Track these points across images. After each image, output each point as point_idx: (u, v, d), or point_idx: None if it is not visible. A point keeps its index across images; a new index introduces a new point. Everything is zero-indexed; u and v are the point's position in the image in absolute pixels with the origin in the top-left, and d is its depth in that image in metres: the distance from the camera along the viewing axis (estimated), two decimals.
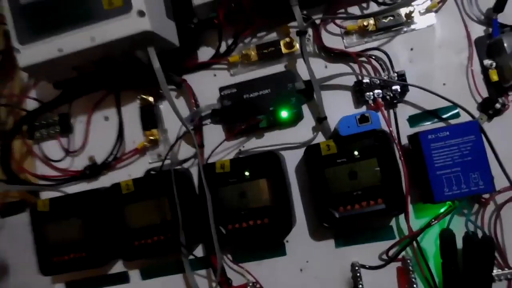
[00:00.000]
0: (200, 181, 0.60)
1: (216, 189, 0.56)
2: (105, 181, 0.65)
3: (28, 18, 0.54)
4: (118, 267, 0.64)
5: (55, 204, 0.61)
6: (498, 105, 0.53)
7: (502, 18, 0.54)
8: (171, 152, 0.61)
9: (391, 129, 0.55)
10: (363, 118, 0.52)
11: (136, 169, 0.64)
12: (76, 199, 0.61)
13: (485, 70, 0.55)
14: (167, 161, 0.62)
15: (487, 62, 0.55)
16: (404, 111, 0.57)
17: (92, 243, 0.59)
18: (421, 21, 0.57)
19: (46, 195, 0.66)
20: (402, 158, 0.54)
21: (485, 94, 0.55)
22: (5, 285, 0.71)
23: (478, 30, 0.56)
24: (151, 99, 0.62)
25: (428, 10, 0.56)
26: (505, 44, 0.52)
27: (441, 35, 0.57)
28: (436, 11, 0.57)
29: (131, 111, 0.64)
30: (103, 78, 0.60)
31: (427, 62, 0.57)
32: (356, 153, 0.53)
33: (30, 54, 0.54)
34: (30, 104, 0.68)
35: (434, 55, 0.57)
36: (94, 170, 0.64)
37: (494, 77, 0.54)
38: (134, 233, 0.58)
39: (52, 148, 0.67)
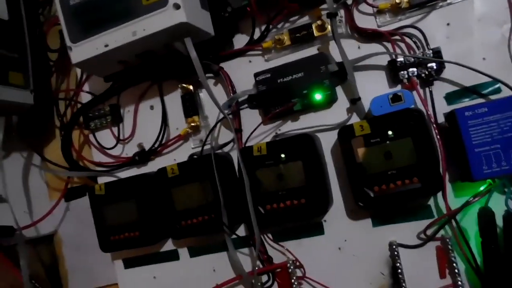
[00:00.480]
0: (239, 164, 0.64)
1: (254, 171, 0.58)
2: (153, 166, 0.70)
3: (77, 18, 0.59)
4: (168, 245, 0.69)
5: (110, 188, 0.67)
6: None
7: None
8: (212, 137, 0.65)
9: (427, 108, 0.55)
10: (395, 97, 0.52)
11: (181, 154, 0.68)
12: (128, 183, 0.66)
13: None
14: (208, 146, 0.65)
15: None
16: (441, 89, 0.56)
17: (144, 223, 0.64)
18: None
19: (103, 180, 0.72)
20: (438, 137, 0.53)
21: None
22: (75, 261, 0.79)
23: None
24: (191, 87, 0.66)
25: None
26: None
27: (480, 7, 0.55)
28: None
29: (173, 100, 0.68)
30: (146, 70, 0.64)
31: (465, 37, 0.55)
32: (390, 132, 0.53)
33: (81, 51, 0.59)
34: (85, 97, 0.74)
35: (473, 29, 0.55)
36: (142, 156, 0.69)
37: None
38: (180, 214, 0.62)
39: (105, 136, 0.73)
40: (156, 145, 0.68)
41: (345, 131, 0.55)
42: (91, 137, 0.74)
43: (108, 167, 0.72)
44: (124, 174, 0.72)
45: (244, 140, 0.63)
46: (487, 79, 0.53)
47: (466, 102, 0.55)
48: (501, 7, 0.54)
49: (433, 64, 0.55)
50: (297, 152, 0.57)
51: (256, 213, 0.57)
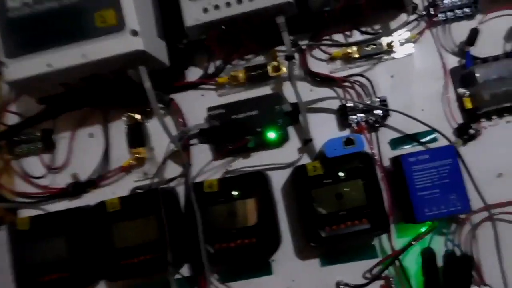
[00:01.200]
0: (187, 200, 0.61)
1: (204, 208, 0.56)
2: (88, 199, 0.64)
3: (17, 31, 0.54)
4: None
5: (36, 222, 0.59)
6: (472, 131, 0.57)
7: (474, 51, 0.58)
8: (157, 170, 0.62)
9: (373, 151, 0.58)
10: (348, 141, 0.54)
11: (121, 187, 0.63)
12: (59, 217, 0.59)
13: (459, 98, 0.59)
14: (151, 180, 0.62)
15: (461, 90, 0.58)
16: (385, 135, 0.60)
17: (76, 262, 0.58)
18: (400, 51, 0.60)
19: (24, 213, 0.64)
20: (385, 180, 0.56)
21: (460, 120, 0.59)
22: None
23: (453, 61, 0.60)
24: (138, 117, 0.62)
25: (407, 41, 0.60)
26: (477, 75, 0.56)
27: (419, 64, 0.60)
28: (414, 41, 0.60)
29: (117, 129, 0.64)
30: (90, 95, 0.60)
31: (406, 89, 0.60)
32: (341, 174, 0.55)
33: (17, 68, 0.53)
34: (10, 119, 0.67)
35: (413, 82, 0.60)
36: (77, 188, 0.63)
37: (468, 104, 0.58)
38: (120, 252, 0.57)
39: (33, 164, 0.65)
40: (94, 177, 0.62)
41: (298, 171, 0.56)
42: (14, 163, 0.66)
43: (33, 198, 0.64)
44: (52, 207, 0.64)
45: (193, 175, 0.61)
46: (425, 128, 0.58)
47: (408, 149, 0.59)
48: (437, 65, 0.60)
49: (380, 112, 0.58)
50: (250, 190, 0.56)
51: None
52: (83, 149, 0.65)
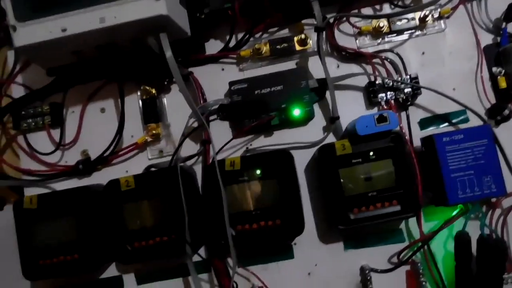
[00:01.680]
0: (205, 180, 0.58)
1: (225, 187, 0.53)
2: (99, 177, 0.60)
3: None
4: (111, 271, 0.59)
5: (44, 201, 0.56)
6: (506, 112, 0.55)
7: (510, 27, 0.56)
8: (173, 148, 0.58)
9: (404, 131, 0.55)
10: (381, 118, 0.51)
11: (135, 165, 0.60)
12: (69, 196, 0.56)
13: (493, 77, 0.56)
14: (167, 158, 0.59)
15: (495, 69, 0.56)
16: (415, 114, 0.57)
17: (86, 244, 0.54)
18: (433, 26, 0.57)
19: (30, 192, 0.60)
20: (415, 160, 0.53)
21: (493, 100, 0.56)
22: None
23: (487, 38, 0.57)
24: (153, 91, 0.59)
25: (440, 16, 0.57)
26: None
27: (452, 41, 0.58)
28: (447, 17, 0.57)
29: (131, 104, 0.60)
30: (103, 66, 0.56)
31: (438, 67, 0.57)
32: (371, 153, 0.52)
33: (28, 32, 0.49)
34: (17, 91, 0.62)
35: (445, 60, 0.57)
36: (88, 165, 0.59)
37: (503, 84, 0.55)
38: (133, 234, 0.54)
39: (40, 140, 0.61)
40: (106, 153, 0.59)
41: (325, 150, 0.53)
42: (20, 139, 0.62)
43: (40, 177, 0.61)
44: (60, 185, 0.61)
45: (212, 153, 0.58)
46: (456, 108, 0.56)
47: (438, 129, 0.57)
48: (470, 43, 0.57)
49: (410, 90, 0.56)
50: (274, 170, 0.53)
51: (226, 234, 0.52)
52: (94, 125, 0.61)
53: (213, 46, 0.60)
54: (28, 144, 0.61)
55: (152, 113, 0.59)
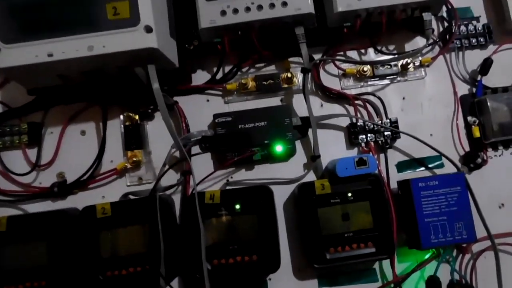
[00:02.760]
0: (183, 211, 0.57)
1: (203, 221, 0.52)
2: (74, 201, 0.59)
3: (17, 16, 0.49)
4: None
5: (14, 223, 0.54)
6: (479, 160, 0.57)
7: (485, 80, 0.59)
8: (153, 176, 0.58)
9: (381, 173, 0.57)
10: (361, 161, 0.52)
11: (112, 191, 0.59)
12: (41, 219, 0.54)
13: (468, 125, 0.59)
14: (146, 186, 0.58)
15: (470, 118, 0.58)
16: (392, 157, 0.58)
17: (56, 270, 0.53)
18: (414, 74, 0.60)
19: (1, 212, 0.58)
20: (391, 203, 0.55)
21: (467, 147, 0.59)
22: None
23: (463, 88, 0.60)
24: (137, 117, 0.58)
25: (421, 65, 0.59)
26: (489, 104, 0.56)
27: (431, 88, 0.60)
28: (428, 66, 0.60)
29: (112, 128, 0.60)
30: (87, 89, 0.55)
31: (417, 112, 0.60)
32: (349, 195, 0.53)
33: (13, 54, 0.48)
34: None
35: (424, 106, 0.60)
36: (63, 188, 0.58)
37: (476, 133, 0.58)
38: (107, 262, 0.53)
39: (15, 159, 0.60)
40: (84, 177, 0.58)
41: (305, 188, 0.54)
42: None
43: (12, 197, 0.59)
44: (33, 208, 0.59)
45: (192, 184, 0.57)
46: (432, 153, 0.58)
47: (414, 173, 0.58)
48: (448, 92, 0.60)
49: (389, 133, 0.57)
50: (253, 204, 0.53)
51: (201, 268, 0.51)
52: (73, 147, 0.60)
53: (200, 77, 0.60)
54: (2, 163, 0.60)
55: (134, 140, 0.58)
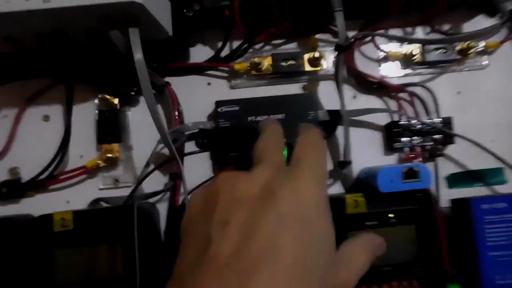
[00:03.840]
0: (169, 225, 0.44)
1: None
2: (30, 206, 0.46)
3: None
4: None
5: None
6: None
7: None
8: (134, 178, 0.45)
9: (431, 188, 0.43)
10: (411, 173, 0.39)
11: (80, 195, 0.46)
12: None
13: None
14: (124, 190, 0.45)
15: None
16: (443, 167, 0.45)
17: None
18: (474, 62, 0.47)
19: None
20: (442, 228, 0.42)
21: None
22: None
23: None
24: (116, 101, 0.45)
25: (484, 51, 0.46)
26: None
27: (494, 82, 0.47)
28: (490, 53, 0.47)
29: (84, 114, 0.46)
30: (49, 61, 0.42)
31: (474, 111, 0.47)
32: (391, 216, 0.40)
33: None
34: None
35: (484, 104, 0.47)
36: (14, 188, 0.44)
37: None
38: None
39: None
40: (43, 175, 0.44)
41: (333, 205, 0.40)
42: None
43: None
44: None
45: (182, 191, 0.44)
46: (494, 165, 0.45)
47: (470, 190, 0.45)
48: None
49: (441, 136, 0.44)
50: None
51: None
52: (33, 136, 0.47)
53: (200, 53, 0.47)
54: None
55: (110, 130, 0.45)
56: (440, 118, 0.45)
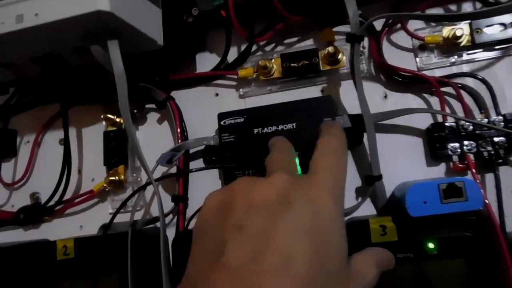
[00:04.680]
0: (173, 252, 0.40)
1: None
2: (48, 231, 0.45)
3: None
4: None
5: None
6: None
7: None
8: (140, 202, 0.42)
9: (489, 209, 0.33)
10: (452, 189, 0.30)
11: (92, 220, 0.44)
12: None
13: None
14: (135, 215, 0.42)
15: None
16: (508, 180, 0.35)
17: None
18: None
19: None
20: (508, 261, 0.31)
21: None
22: None
23: None
24: (120, 121, 0.43)
25: None
26: None
27: None
28: None
29: (95, 135, 0.45)
30: (51, 84, 0.41)
31: None
32: (431, 246, 0.31)
33: None
34: None
35: None
36: (30, 214, 0.44)
37: None
38: None
39: None
40: (52, 201, 0.44)
41: (354, 230, 0.33)
42: None
43: None
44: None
45: (189, 213, 0.40)
46: None
47: None
48: None
49: (503, 139, 0.34)
50: None
51: None
52: (49, 160, 0.46)
53: (206, 62, 0.43)
54: None
55: (116, 152, 0.42)
56: (501, 115, 0.34)
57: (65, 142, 0.41)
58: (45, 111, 0.47)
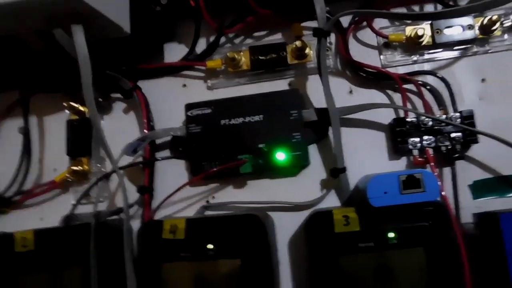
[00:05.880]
0: (138, 247, 0.39)
1: (158, 265, 0.34)
2: (7, 222, 0.43)
3: None
4: None
5: None
6: None
7: None
8: (104, 193, 0.41)
9: (447, 200, 0.35)
10: (411, 181, 0.31)
11: (53, 211, 0.42)
12: None
13: None
14: (99, 205, 0.41)
15: None
16: (465, 173, 0.37)
17: None
18: (501, 41, 0.37)
19: None
20: (462, 249, 0.33)
21: None
22: None
23: None
24: (84, 109, 0.42)
25: None
26: None
27: None
28: None
29: (58, 124, 0.44)
30: (10, 72, 0.39)
31: (504, 103, 0.37)
32: (391, 235, 0.32)
33: None
34: None
35: None
36: None
37: None
38: None
39: None
40: (8, 192, 0.42)
41: (318, 221, 0.33)
42: None
43: None
44: None
45: (153, 206, 0.40)
46: None
47: (501, 202, 0.36)
48: None
49: (460, 134, 0.36)
50: (236, 244, 0.34)
51: None
52: (7, 150, 0.44)
53: (175, 52, 0.43)
54: None
55: (79, 142, 0.41)
56: (458, 112, 0.36)
57: (25, 130, 0.39)
58: (4, 98, 0.45)
